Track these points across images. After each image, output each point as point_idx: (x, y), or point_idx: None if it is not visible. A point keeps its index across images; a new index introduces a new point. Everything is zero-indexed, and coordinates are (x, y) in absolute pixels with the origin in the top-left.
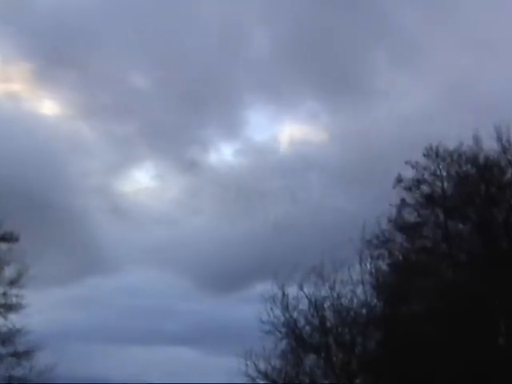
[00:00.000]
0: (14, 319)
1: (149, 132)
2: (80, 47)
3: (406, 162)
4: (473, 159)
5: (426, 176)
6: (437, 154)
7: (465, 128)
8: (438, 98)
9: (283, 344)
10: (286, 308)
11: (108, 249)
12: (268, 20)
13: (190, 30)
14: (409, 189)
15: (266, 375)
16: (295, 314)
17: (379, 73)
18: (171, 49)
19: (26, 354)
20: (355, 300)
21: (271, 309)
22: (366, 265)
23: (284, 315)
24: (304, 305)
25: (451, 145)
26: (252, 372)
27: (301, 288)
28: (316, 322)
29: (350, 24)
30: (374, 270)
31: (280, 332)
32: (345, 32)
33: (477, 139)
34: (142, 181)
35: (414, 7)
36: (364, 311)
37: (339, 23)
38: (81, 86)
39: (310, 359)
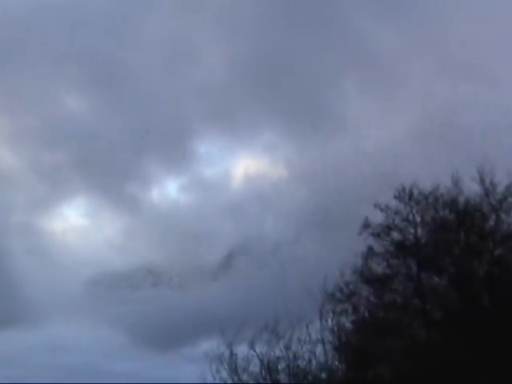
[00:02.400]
0: None
1: (82, 162)
2: (3, 62)
3: (375, 205)
4: (451, 203)
5: (397, 221)
6: (410, 197)
7: (443, 167)
8: (413, 133)
9: None
10: (234, 369)
11: (29, 297)
12: (224, 39)
13: (133, 48)
14: (377, 235)
15: None
16: (245, 377)
17: (347, 103)
18: (111, 68)
19: None
20: (314, 362)
21: (217, 370)
22: (326, 321)
23: (232, 377)
24: (255, 366)
25: (427, 186)
26: None
27: (251, 347)
28: None
29: (317, 48)
30: (336, 328)
31: None
32: (310, 56)
33: (456, 180)
34: (72, 219)
35: (387, 31)
36: (324, 375)
37: (304, 46)
38: (4, 107)
39: None
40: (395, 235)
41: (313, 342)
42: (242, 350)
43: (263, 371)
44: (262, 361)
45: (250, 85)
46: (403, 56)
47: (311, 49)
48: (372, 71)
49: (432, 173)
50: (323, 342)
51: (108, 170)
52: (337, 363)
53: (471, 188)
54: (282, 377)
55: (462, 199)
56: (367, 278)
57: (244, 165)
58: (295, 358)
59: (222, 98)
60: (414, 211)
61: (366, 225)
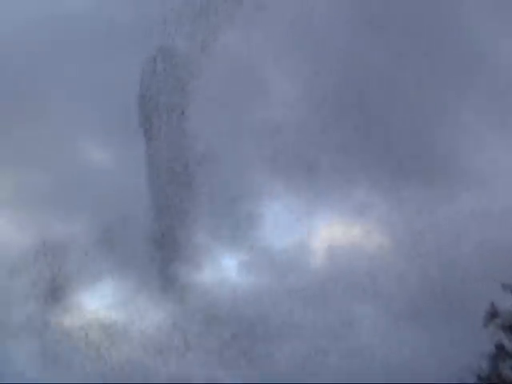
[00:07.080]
0: None
1: (106, 234)
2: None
3: (504, 286)
4: None
5: None
6: None
7: None
8: None
9: None
10: None
11: None
12: (298, 63)
13: None
14: (509, 329)
15: None
16: None
17: (469, 147)
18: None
19: None
20: None
21: None
22: None
23: None
24: None
25: None
26: None
27: None
28: None
29: (425, 68)
30: None
31: None
32: (416, 81)
33: None
34: (95, 311)
35: None
36: None
37: (406, 68)
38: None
39: None
40: None
41: None
42: None
43: None
44: None
45: (333, 125)
46: None
47: (418, 71)
48: (505, 101)
49: None
50: None
51: (143, 244)
52: None
53: None
54: None
55: None
56: None
57: (327, 234)
58: None
59: (296, 142)
60: None
61: (494, 313)
